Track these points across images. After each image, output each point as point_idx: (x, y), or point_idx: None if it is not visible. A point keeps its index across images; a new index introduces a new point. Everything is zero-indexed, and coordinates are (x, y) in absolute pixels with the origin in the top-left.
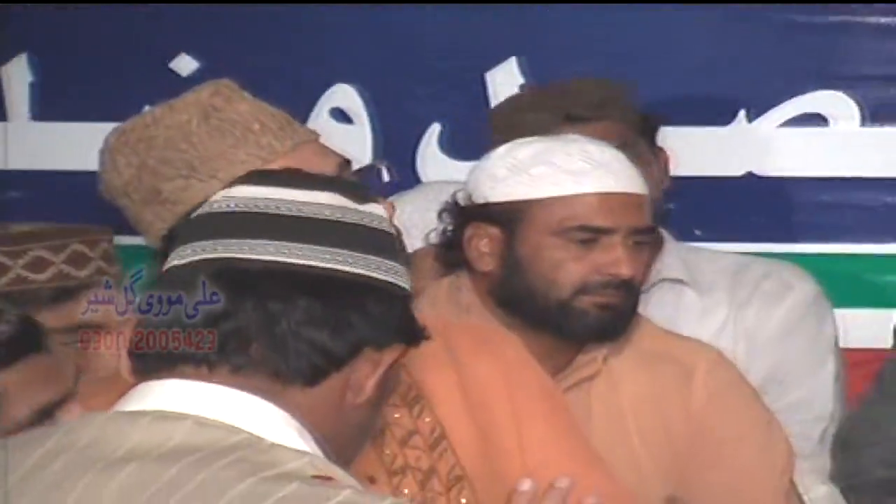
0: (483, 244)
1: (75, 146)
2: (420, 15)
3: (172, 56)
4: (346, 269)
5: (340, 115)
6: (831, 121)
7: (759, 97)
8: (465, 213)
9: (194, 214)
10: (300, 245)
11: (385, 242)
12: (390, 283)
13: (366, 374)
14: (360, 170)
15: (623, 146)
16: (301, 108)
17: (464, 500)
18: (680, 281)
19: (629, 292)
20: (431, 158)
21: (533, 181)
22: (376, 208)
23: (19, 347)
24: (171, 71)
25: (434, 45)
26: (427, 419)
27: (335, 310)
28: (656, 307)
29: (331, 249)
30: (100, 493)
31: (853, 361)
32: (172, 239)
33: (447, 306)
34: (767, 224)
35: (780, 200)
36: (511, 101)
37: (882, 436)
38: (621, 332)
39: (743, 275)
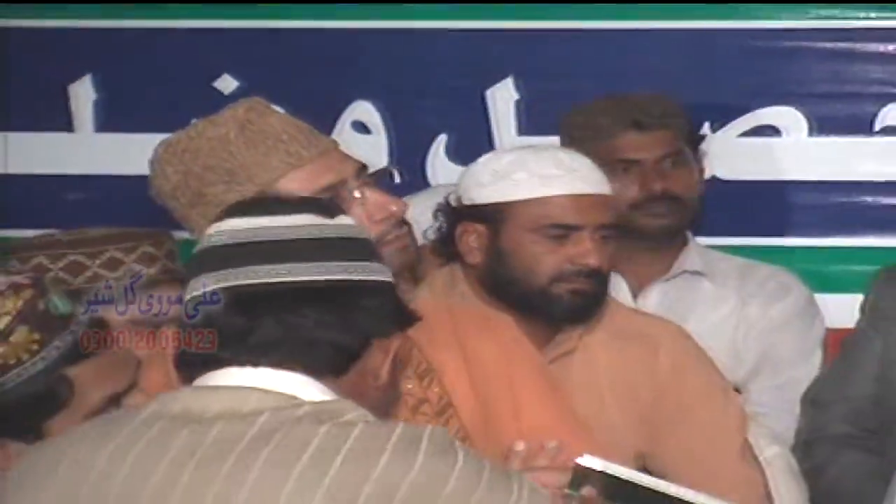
0: (472, 240)
1: (131, 154)
2: (429, 40)
3: (216, 76)
4: (337, 277)
5: (361, 127)
6: (783, 132)
7: (722, 111)
8: (456, 213)
9: (197, 250)
10: (294, 265)
11: (361, 247)
12: (376, 280)
13: (380, 360)
14: (375, 172)
15: (676, 152)
16: (327, 120)
17: None
18: (699, 273)
19: (598, 279)
20: (439, 164)
21: (513, 185)
22: (346, 219)
23: (91, 344)
24: (215, 89)
25: (441, 66)
26: (435, 389)
27: (339, 312)
28: (679, 293)
29: (319, 264)
30: (197, 444)
31: None
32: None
33: (444, 293)
34: (730, 221)
35: (740, 200)
36: (585, 107)
37: (842, 395)
38: (593, 314)
39: (751, 274)
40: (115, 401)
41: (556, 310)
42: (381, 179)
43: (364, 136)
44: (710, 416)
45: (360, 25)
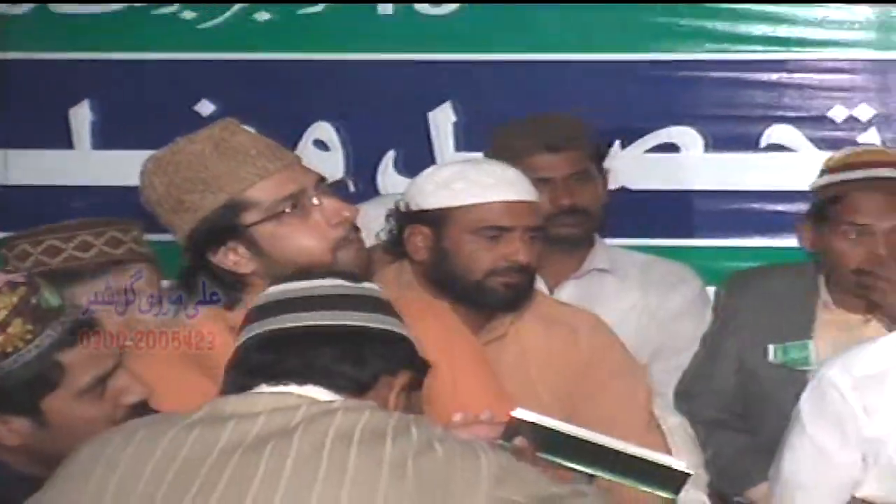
0: (419, 240)
1: (123, 168)
2: (379, 70)
3: (196, 101)
4: (350, 323)
5: (320, 145)
6: (682, 149)
7: (631, 130)
8: (404, 217)
9: (255, 304)
10: (316, 313)
11: (378, 304)
12: (387, 329)
13: (386, 392)
14: (332, 183)
15: (583, 170)
16: (291, 139)
17: None
18: (605, 270)
19: (527, 274)
20: (388, 177)
21: (454, 193)
22: (370, 286)
23: (81, 331)
24: (195, 112)
25: (389, 93)
26: None
27: (352, 351)
28: (588, 288)
29: (337, 312)
30: (246, 432)
31: None
32: (195, 239)
33: (394, 285)
34: (638, 224)
35: (646, 207)
36: (505, 130)
37: (708, 388)
38: (522, 303)
39: (650, 269)
40: (101, 381)
41: (490, 300)
42: (337, 189)
43: (323, 153)
44: (622, 391)
45: (320, 57)
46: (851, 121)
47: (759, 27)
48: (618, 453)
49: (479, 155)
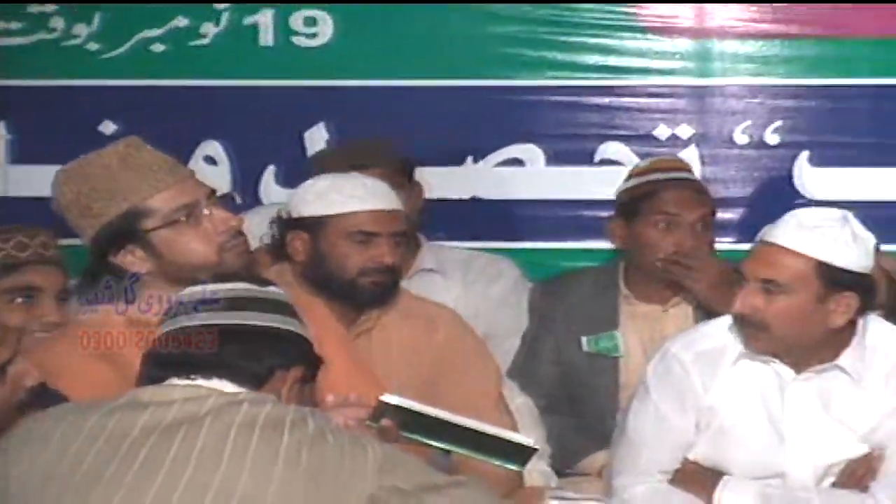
0: (298, 244)
1: (37, 181)
2: (261, 93)
3: (100, 122)
4: (252, 322)
5: (210, 160)
6: (527, 163)
7: (482, 147)
8: (286, 224)
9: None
10: (227, 313)
11: (279, 306)
12: (284, 329)
13: (280, 385)
14: (221, 196)
15: (391, 183)
16: (184, 154)
17: None
18: (432, 270)
19: (392, 274)
20: (270, 189)
21: (329, 203)
22: (275, 290)
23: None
24: (99, 131)
25: (269, 114)
26: None
27: (251, 348)
28: (418, 287)
29: (241, 313)
30: (162, 418)
31: None
32: (98, 241)
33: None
34: (486, 229)
35: (495, 214)
36: (322, 154)
37: (531, 380)
38: (389, 300)
39: (472, 263)
40: (2, 370)
41: (361, 297)
42: (225, 201)
43: (212, 167)
44: (475, 375)
45: (209, 83)
46: (673, 138)
47: (593, 57)
48: (472, 431)
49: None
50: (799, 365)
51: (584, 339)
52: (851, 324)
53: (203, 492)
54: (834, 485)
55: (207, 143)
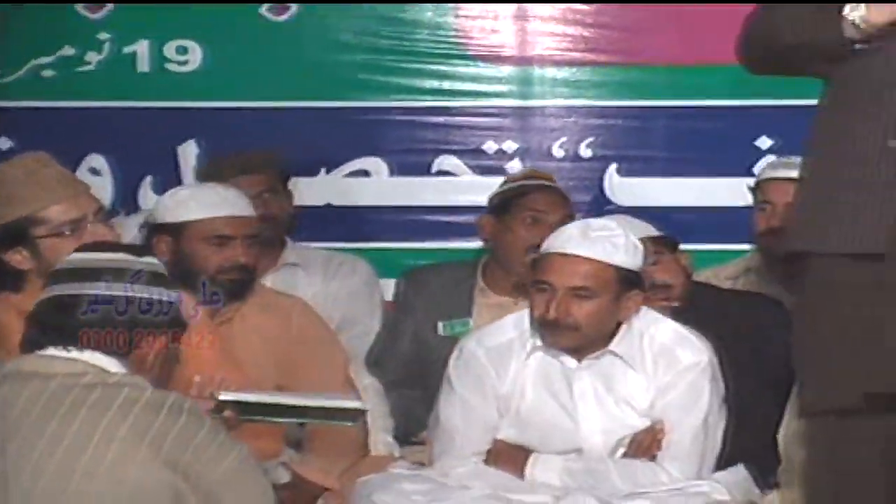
0: (163, 246)
1: None
2: (139, 113)
3: None
4: (128, 293)
5: (94, 171)
6: (373, 174)
7: (333, 160)
8: (153, 229)
9: (54, 269)
10: (102, 283)
11: (155, 277)
12: (156, 298)
13: (147, 351)
14: (108, 212)
15: (270, 188)
16: (71, 166)
17: None
18: (295, 264)
19: (248, 271)
20: (147, 196)
21: (188, 210)
22: (150, 260)
23: None
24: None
25: (147, 131)
26: None
27: (122, 317)
28: (284, 279)
29: (116, 284)
30: (42, 390)
31: None
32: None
33: None
34: (338, 232)
35: (345, 219)
36: (216, 161)
37: (391, 358)
38: (246, 294)
39: (331, 261)
40: None
41: (220, 292)
42: (113, 214)
43: (96, 178)
44: (325, 359)
45: (93, 104)
46: (500, 153)
47: (429, 81)
48: (303, 406)
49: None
50: (580, 354)
51: (440, 325)
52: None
53: (69, 476)
54: (625, 455)
55: (92, 157)
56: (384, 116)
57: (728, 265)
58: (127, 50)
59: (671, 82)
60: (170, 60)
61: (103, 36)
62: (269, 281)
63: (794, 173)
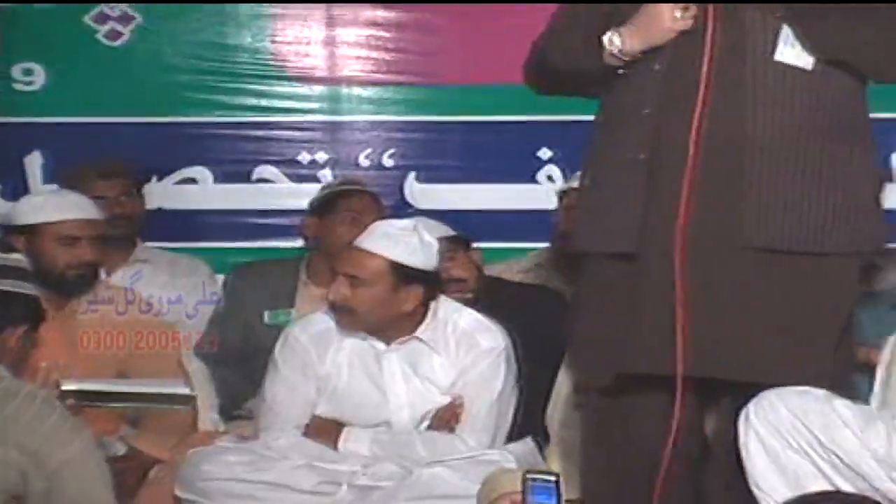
0: (20, 246)
1: None
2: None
3: None
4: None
5: None
6: (200, 181)
7: (164, 168)
8: (8, 230)
9: None
10: None
11: (16, 271)
12: (14, 291)
13: (7, 340)
14: None
15: (126, 192)
16: None
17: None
18: (145, 261)
19: (93, 268)
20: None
21: (42, 213)
22: (16, 256)
23: None
24: None
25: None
26: None
27: None
28: (131, 275)
29: None
30: None
31: None
32: None
33: None
34: (169, 233)
35: (176, 222)
36: (78, 168)
37: (221, 345)
38: (90, 289)
39: (175, 262)
40: None
41: (67, 286)
42: None
43: None
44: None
45: None
46: (313, 163)
47: (250, 99)
48: (141, 392)
49: (54, 186)
50: (388, 339)
51: (266, 314)
52: (426, 305)
53: None
54: (429, 428)
55: None
56: (209, 130)
57: (521, 260)
58: None
59: (464, 100)
60: (17, 80)
61: None
62: (120, 275)
63: None
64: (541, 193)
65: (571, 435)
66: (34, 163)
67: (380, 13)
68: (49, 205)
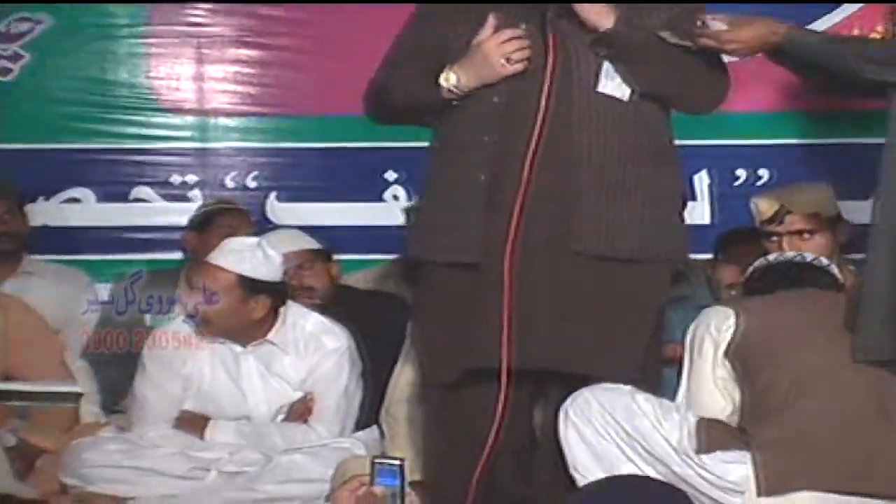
0: None
1: None
2: None
3: None
4: None
5: None
6: (83, 200)
7: (50, 189)
8: None
9: None
10: None
11: None
12: None
13: None
14: None
15: (8, 210)
16: None
17: None
18: (31, 273)
19: None
20: None
21: None
22: None
23: None
24: None
25: None
26: None
27: None
28: (19, 286)
29: None
30: None
31: None
32: None
33: None
34: (55, 246)
35: (61, 237)
36: None
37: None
38: None
39: (61, 273)
40: None
41: None
42: None
43: None
44: (40, 347)
45: None
46: (184, 184)
47: (128, 128)
48: (29, 391)
49: None
50: (243, 342)
51: (147, 317)
52: (275, 311)
53: None
54: (285, 420)
55: None
56: (91, 156)
57: (374, 270)
58: None
59: (318, 129)
60: None
61: None
62: (8, 286)
63: None
64: (387, 211)
65: (414, 425)
66: None
67: (243, 51)
68: None
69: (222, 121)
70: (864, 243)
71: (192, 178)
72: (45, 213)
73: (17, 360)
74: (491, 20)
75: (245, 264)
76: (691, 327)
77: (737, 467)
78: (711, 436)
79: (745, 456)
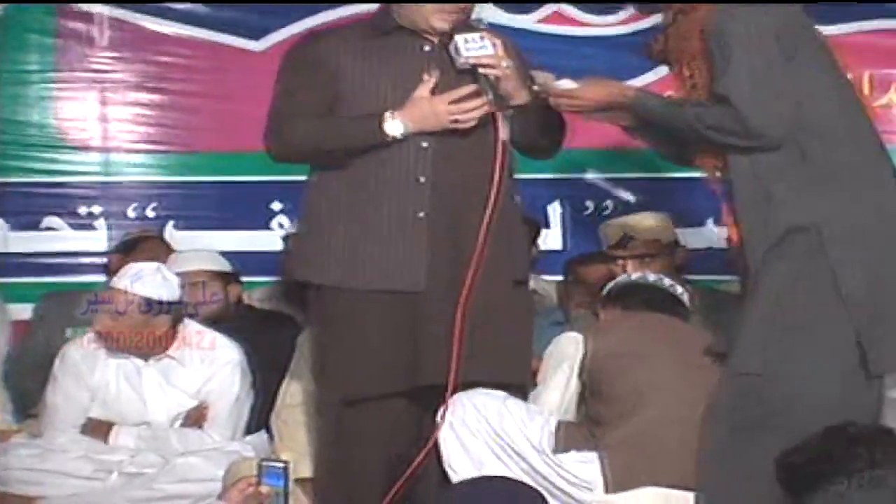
0: None
1: None
2: None
3: None
4: None
5: None
6: None
7: None
8: None
9: None
10: None
11: None
12: None
13: None
14: None
15: None
16: None
17: None
18: None
19: None
20: None
21: None
22: None
23: None
24: None
25: None
26: None
27: None
28: None
29: None
30: None
31: None
32: None
33: None
34: None
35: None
36: None
37: (26, 351)
38: None
39: None
40: None
41: None
42: None
43: None
44: None
45: None
46: (90, 214)
47: (40, 164)
48: None
49: None
50: (145, 356)
51: (68, 330)
52: (174, 328)
53: None
54: (182, 426)
55: None
56: (6, 189)
57: (261, 290)
58: None
59: (212, 164)
60: None
61: None
62: None
63: None
64: (273, 238)
65: (302, 428)
66: None
67: (143, 95)
68: None
69: (124, 157)
70: (698, 266)
71: (97, 208)
72: None
73: None
74: (428, 77)
75: (146, 287)
76: (549, 348)
77: (588, 466)
78: (567, 437)
79: (596, 456)
